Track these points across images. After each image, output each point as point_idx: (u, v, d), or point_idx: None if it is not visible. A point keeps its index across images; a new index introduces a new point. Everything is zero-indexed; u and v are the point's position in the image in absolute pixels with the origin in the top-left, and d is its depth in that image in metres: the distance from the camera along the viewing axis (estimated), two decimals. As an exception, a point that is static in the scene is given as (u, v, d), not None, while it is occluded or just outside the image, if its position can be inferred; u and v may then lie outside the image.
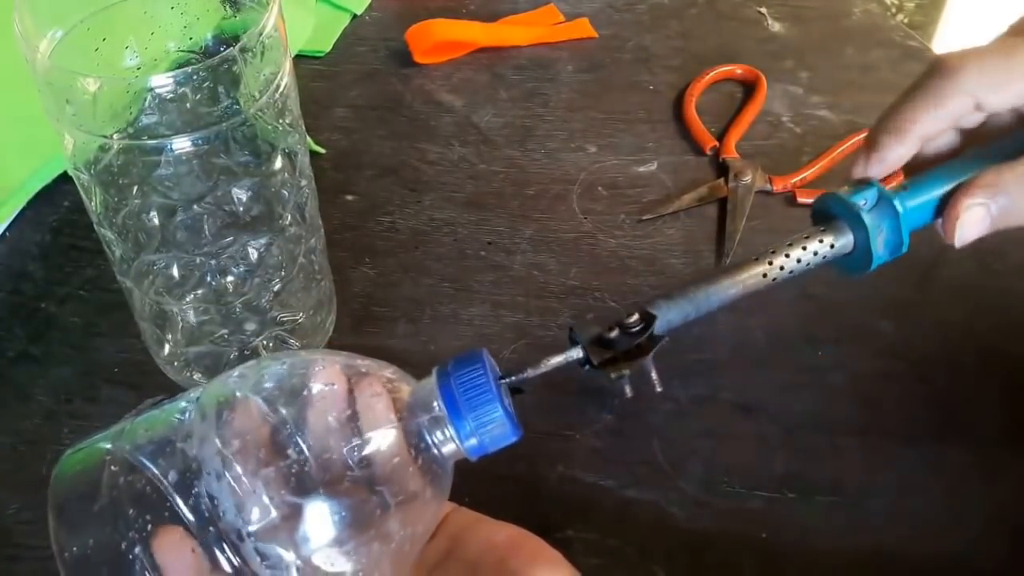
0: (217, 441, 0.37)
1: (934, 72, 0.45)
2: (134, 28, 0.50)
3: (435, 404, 0.40)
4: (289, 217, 0.54)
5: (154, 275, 0.54)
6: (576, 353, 0.42)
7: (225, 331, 0.56)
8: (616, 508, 0.54)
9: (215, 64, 0.44)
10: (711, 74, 0.80)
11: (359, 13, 0.87)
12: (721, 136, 0.75)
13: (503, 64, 0.83)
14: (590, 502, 0.55)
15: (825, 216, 0.46)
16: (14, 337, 0.62)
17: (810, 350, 0.62)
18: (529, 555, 0.42)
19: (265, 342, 0.57)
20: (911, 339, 0.62)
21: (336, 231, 0.68)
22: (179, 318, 0.56)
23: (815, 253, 0.45)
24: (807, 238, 0.45)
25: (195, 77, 0.44)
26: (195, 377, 0.58)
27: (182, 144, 0.45)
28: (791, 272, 0.45)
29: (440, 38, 0.82)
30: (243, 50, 0.45)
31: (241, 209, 0.52)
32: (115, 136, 0.46)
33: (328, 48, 0.84)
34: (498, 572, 0.41)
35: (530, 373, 0.42)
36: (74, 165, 0.49)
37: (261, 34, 0.45)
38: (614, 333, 0.43)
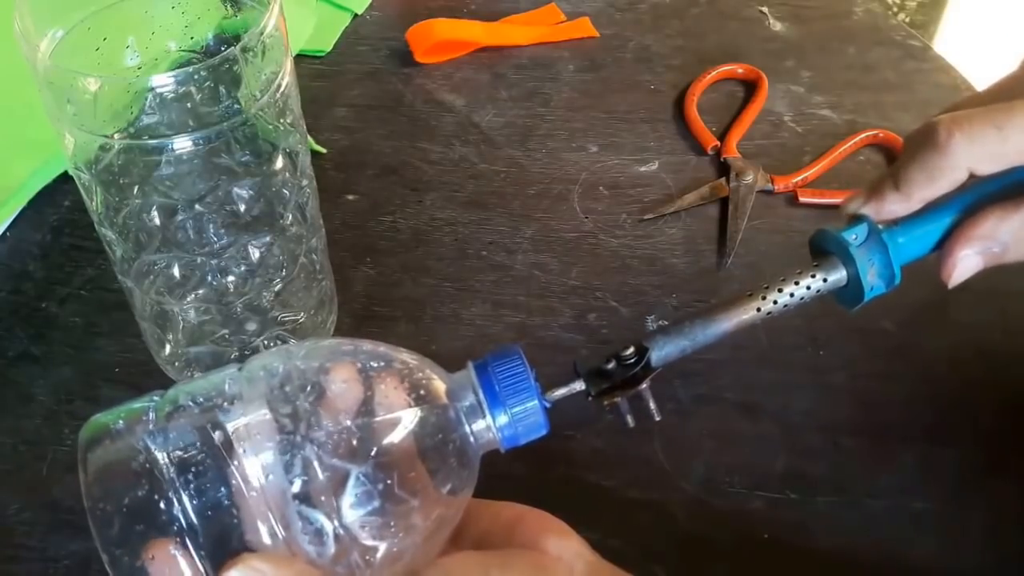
0: (266, 403, 0.38)
1: (927, 143, 0.43)
2: (135, 28, 0.50)
3: (474, 392, 0.41)
4: (290, 217, 0.54)
5: (155, 275, 0.54)
6: (579, 385, 0.45)
7: (226, 331, 0.56)
8: (618, 508, 0.54)
9: (216, 64, 0.44)
10: (712, 73, 0.80)
11: (360, 12, 0.87)
12: (722, 136, 0.75)
13: (504, 64, 0.83)
14: (592, 502, 0.54)
15: (821, 251, 0.47)
16: (15, 337, 0.62)
17: (812, 350, 0.62)
18: (537, 526, 0.42)
19: (266, 342, 0.57)
20: (913, 339, 0.62)
21: (337, 231, 0.68)
22: (180, 318, 0.56)
23: (808, 288, 0.46)
24: (800, 273, 0.46)
25: (196, 77, 0.44)
26: (196, 377, 0.57)
27: (183, 144, 0.45)
28: (785, 306, 0.46)
29: (441, 37, 0.82)
30: (244, 50, 0.45)
31: (242, 209, 0.52)
32: (116, 136, 0.46)
33: (329, 48, 0.84)
34: (506, 543, 0.42)
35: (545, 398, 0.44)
36: (75, 165, 0.49)
37: (262, 34, 0.45)
38: (611, 365, 0.45)
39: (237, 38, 0.46)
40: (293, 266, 0.55)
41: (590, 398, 0.45)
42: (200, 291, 0.55)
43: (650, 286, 0.65)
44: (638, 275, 0.66)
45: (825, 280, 0.46)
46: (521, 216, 0.70)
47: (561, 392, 0.44)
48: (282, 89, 0.48)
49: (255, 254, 0.54)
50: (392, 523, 0.38)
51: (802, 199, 0.70)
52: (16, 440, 0.57)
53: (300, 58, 0.82)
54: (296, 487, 0.37)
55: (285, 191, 0.53)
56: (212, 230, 0.52)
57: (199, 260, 0.53)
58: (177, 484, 0.36)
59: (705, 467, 0.56)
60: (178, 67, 0.45)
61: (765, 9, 0.87)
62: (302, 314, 0.58)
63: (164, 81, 0.43)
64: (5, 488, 0.55)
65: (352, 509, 0.37)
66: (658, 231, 0.69)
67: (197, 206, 0.51)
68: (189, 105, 0.46)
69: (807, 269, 0.46)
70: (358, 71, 0.82)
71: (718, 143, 0.74)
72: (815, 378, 0.60)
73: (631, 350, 0.45)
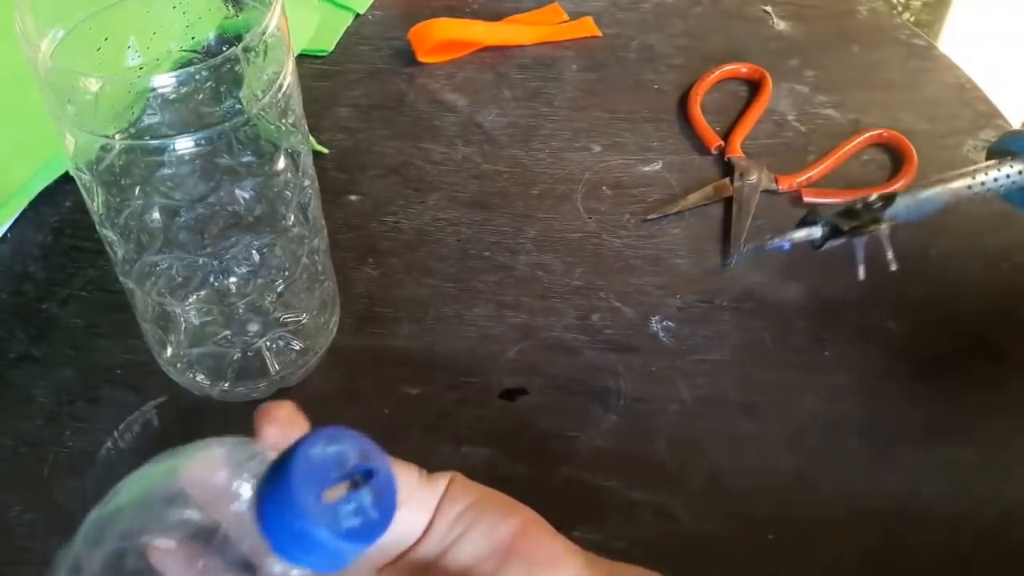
0: None
1: None
2: (136, 28, 0.50)
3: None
4: (292, 217, 0.54)
5: (156, 276, 0.54)
6: (816, 232, 0.51)
7: (228, 332, 0.56)
8: (622, 509, 0.54)
9: (217, 64, 0.44)
10: (716, 73, 0.80)
11: (362, 12, 0.87)
12: (726, 135, 0.75)
13: (507, 63, 0.82)
14: (595, 503, 0.54)
15: (1006, 152, 0.55)
16: (15, 338, 0.62)
17: (816, 350, 0.61)
18: (525, 561, 0.39)
19: (268, 343, 0.57)
20: (917, 339, 0.62)
21: (339, 231, 0.68)
22: (182, 319, 0.56)
23: (1007, 176, 0.54)
24: (998, 165, 0.54)
25: (197, 77, 0.44)
26: (198, 379, 0.58)
27: (184, 144, 0.45)
28: (987, 189, 0.55)
29: (443, 37, 0.81)
30: (246, 50, 0.45)
31: (244, 209, 0.51)
32: (117, 136, 0.46)
33: (331, 47, 0.84)
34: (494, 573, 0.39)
35: (772, 243, 0.48)
36: (76, 165, 0.49)
37: (264, 33, 0.45)
38: (859, 205, 0.52)
39: (239, 38, 0.46)
40: (295, 267, 0.55)
41: (818, 248, 0.51)
42: (202, 292, 0.55)
43: (654, 286, 0.65)
44: (642, 275, 0.66)
45: (1021, 172, 0.54)
46: (524, 216, 0.70)
47: (800, 235, 0.49)
48: (284, 89, 0.48)
49: (257, 255, 0.54)
50: None
51: (806, 199, 0.70)
52: (17, 442, 0.57)
53: (302, 58, 0.82)
54: None
55: (287, 191, 0.53)
56: (214, 231, 0.52)
57: (201, 261, 0.53)
58: None
59: (709, 468, 0.56)
60: (179, 67, 0.45)
61: (769, 8, 0.87)
62: (304, 315, 0.58)
63: (165, 81, 0.43)
64: (6, 490, 0.55)
65: None
66: (662, 231, 0.69)
67: (199, 207, 0.51)
68: (190, 105, 0.46)
69: (1004, 162, 0.54)
70: (360, 71, 0.82)
71: (722, 143, 0.74)
72: (819, 379, 0.60)
73: (875, 196, 0.52)
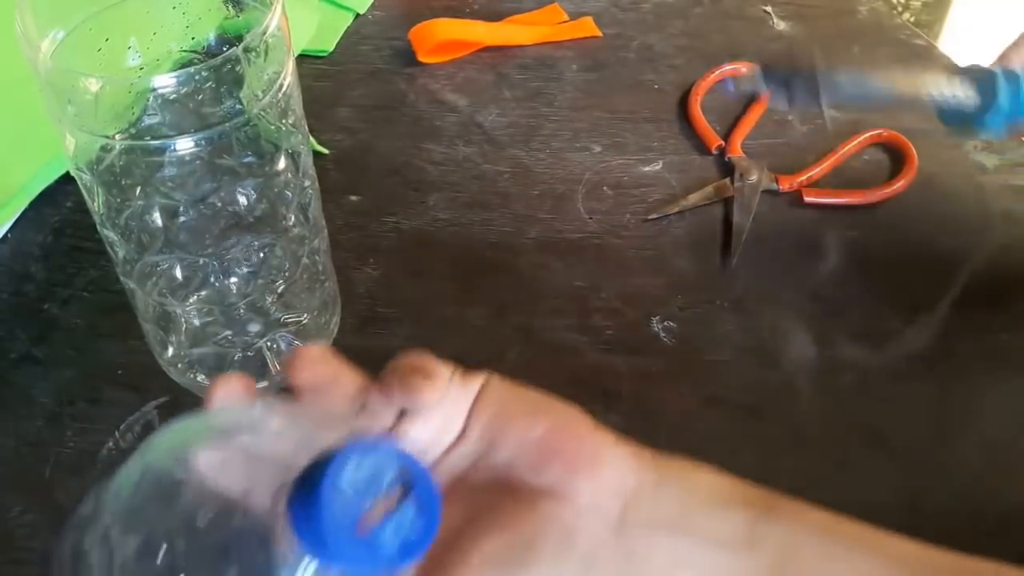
0: None
1: None
2: (136, 28, 0.50)
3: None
4: (292, 218, 0.54)
5: (157, 276, 0.54)
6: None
7: (229, 332, 0.56)
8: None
9: (218, 64, 0.44)
10: (716, 73, 0.79)
11: (362, 12, 0.87)
12: (727, 135, 0.75)
13: (507, 63, 0.82)
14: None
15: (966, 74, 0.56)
16: (16, 339, 0.62)
17: (819, 351, 0.61)
18: (569, 462, 0.36)
19: (269, 343, 0.57)
20: (919, 339, 0.62)
21: (340, 231, 0.68)
22: (182, 319, 0.56)
23: (954, 96, 0.55)
24: (951, 82, 0.55)
25: (198, 77, 0.44)
26: (199, 379, 0.57)
27: (185, 144, 0.45)
28: (932, 99, 0.56)
29: (444, 37, 0.81)
30: (246, 50, 0.45)
31: (244, 210, 0.51)
32: (117, 137, 0.46)
33: (331, 48, 0.84)
34: (532, 479, 0.36)
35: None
36: (76, 166, 0.49)
37: (264, 34, 0.45)
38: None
39: (239, 38, 0.46)
40: (296, 267, 0.55)
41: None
42: (203, 292, 0.55)
43: (654, 287, 0.65)
44: (642, 276, 0.66)
45: (968, 98, 0.55)
46: (525, 217, 0.70)
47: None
48: (284, 89, 0.48)
49: (258, 255, 0.53)
50: None
51: (807, 199, 0.70)
52: (18, 442, 0.57)
53: (302, 58, 0.82)
54: None
55: (287, 192, 0.53)
56: (214, 231, 0.52)
57: (201, 261, 0.53)
58: None
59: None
60: (180, 67, 0.45)
61: (769, 8, 0.87)
62: (305, 315, 0.58)
63: (166, 82, 0.43)
64: (7, 491, 0.55)
65: None
66: (662, 231, 0.69)
67: (199, 207, 0.51)
68: (191, 106, 0.46)
69: (958, 81, 0.55)
70: (361, 71, 0.82)
71: (722, 143, 0.74)
72: (821, 379, 0.60)
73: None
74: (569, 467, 0.36)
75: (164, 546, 0.32)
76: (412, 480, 0.32)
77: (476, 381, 0.38)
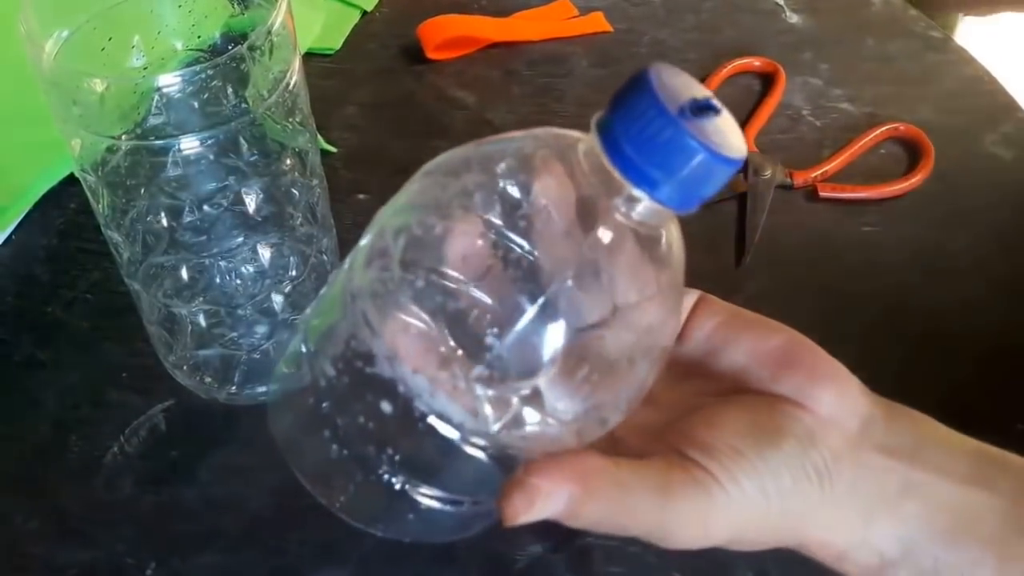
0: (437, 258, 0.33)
1: None
2: (140, 27, 0.49)
3: (605, 163, 0.31)
4: (300, 217, 0.53)
5: (162, 278, 0.53)
6: None
7: (235, 334, 0.56)
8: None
9: (223, 63, 0.43)
10: (728, 67, 0.79)
11: (369, 10, 0.86)
12: (740, 130, 0.74)
13: (516, 60, 0.82)
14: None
15: None
16: (20, 342, 0.62)
17: (833, 349, 0.60)
18: (808, 372, 0.36)
19: (276, 345, 0.56)
20: (933, 334, 0.61)
21: (348, 231, 0.67)
22: (188, 321, 0.55)
23: None
24: None
25: (203, 76, 0.44)
26: (205, 381, 0.57)
27: (190, 144, 0.45)
28: None
29: (452, 34, 0.81)
30: (252, 48, 0.44)
31: (251, 209, 0.51)
32: (122, 137, 0.45)
33: (338, 45, 0.83)
34: (768, 386, 0.36)
35: None
36: (81, 167, 0.48)
37: (270, 32, 0.45)
38: None
39: (244, 36, 0.45)
40: (303, 267, 0.55)
41: None
42: (208, 294, 0.54)
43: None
44: (655, 274, 0.65)
45: None
46: (535, 214, 0.69)
47: None
48: (291, 88, 0.48)
49: (264, 255, 0.53)
50: (587, 374, 0.32)
51: (822, 194, 0.69)
52: (22, 447, 0.57)
53: (309, 56, 0.81)
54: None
55: (294, 191, 0.52)
56: (220, 232, 0.51)
57: (207, 262, 0.52)
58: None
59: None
60: (185, 66, 0.45)
61: (781, 1, 0.86)
62: (313, 317, 0.57)
63: (171, 81, 0.43)
64: (11, 496, 0.55)
65: (543, 356, 0.31)
66: (675, 229, 0.68)
67: (205, 207, 0.50)
68: (196, 105, 0.46)
69: None
70: (368, 69, 0.81)
71: (735, 138, 0.73)
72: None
73: None
74: (810, 377, 0.36)
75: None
76: (716, 105, 0.31)
77: (692, 294, 0.39)
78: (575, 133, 0.34)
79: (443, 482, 0.34)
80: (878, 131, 0.73)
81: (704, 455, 0.34)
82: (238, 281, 0.54)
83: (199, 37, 0.51)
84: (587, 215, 0.31)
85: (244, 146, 0.49)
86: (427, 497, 0.34)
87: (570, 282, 0.31)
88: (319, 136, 0.65)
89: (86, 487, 0.55)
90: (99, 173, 0.48)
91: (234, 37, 0.49)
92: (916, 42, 0.82)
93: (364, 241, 0.36)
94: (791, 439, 0.34)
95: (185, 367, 0.57)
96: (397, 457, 0.33)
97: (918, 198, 0.69)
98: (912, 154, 0.72)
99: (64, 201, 0.70)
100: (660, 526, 0.34)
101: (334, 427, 0.33)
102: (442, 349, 0.31)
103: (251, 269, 0.53)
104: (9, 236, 0.68)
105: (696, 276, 0.64)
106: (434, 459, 0.33)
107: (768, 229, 0.67)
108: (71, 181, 0.70)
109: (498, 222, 0.32)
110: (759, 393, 0.36)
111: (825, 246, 0.66)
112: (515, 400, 0.31)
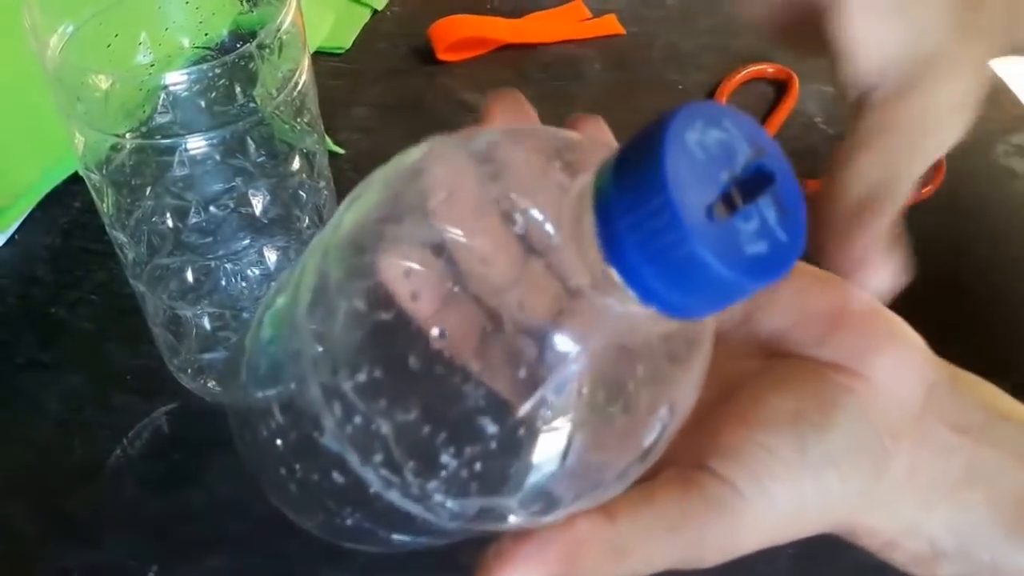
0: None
1: None
2: (147, 24, 0.49)
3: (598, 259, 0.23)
4: (307, 219, 0.53)
5: (168, 279, 0.53)
6: None
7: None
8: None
9: (231, 61, 0.43)
10: (742, 73, 0.78)
11: (380, 8, 0.86)
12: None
13: (528, 62, 0.81)
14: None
15: None
16: (23, 343, 0.61)
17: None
18: (863, 336, 0.31)
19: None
20: (941, 349, 0.60)
21: (355, 234, 0.66)
22: (193, 324, 0.55)
23: None
24: None
25: (210, 74, 0.43)
26: (209, 384, 0.57)
27: (197, 144, 0.45)
28: None
29: (464, 34, 0.80)
30: (260, 46, 0.44)
31: (258, 211, 0.51)
32: (128, 135, 0.45)
33: (348, 45, 0.83)
34: (815, 351, 0.31)
35: None
36: (85, 165, 0.48)
37: (279, 30, 0.44)
38: None
39: (253, 35, 0.45)
40: (310, 271, 0.54)
41: None
42: (214, 296, 0.54)
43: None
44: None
45: None
46: (546, 219, 0.68)
47: None
48: (299, 87, 0.47)
49: (271, 258, 0.53)
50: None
51: (836, 202, 0.68)
52: (24, 449, 0.56)
53: (318, 55, 0.81)
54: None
55: (302, 193, 0.52)
56: (227, 233, 0.51)
57: (213, 264, 0.52)
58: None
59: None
60: (192, 64, 0.45)
61: (796, 6, 0.86)
62: (319, 320, 0.57)
63: (178, 79, 0.42)
64: (14, 498, 0.54)
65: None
66: (687, 235, 0.67)
67: (211, 208, 0.50)
68: (203, 104, 0.45)
69: None
70: (378, 69, 0.81)
71: (749, 144, 0.72)
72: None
73: None
74: (864, 339, 0.31)
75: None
76: (771, 168, 0.23)
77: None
78: (572, 138, 0.29)
79: (413, 531, 0.30)
80: (894, 138, 0.72)
81: (727, 463, 0.30)
82: (244, 284, 0.54)
83: (207, 34, 0.50)
84: (569, 306, 0.25)
85: (251, 146, 0.48)
86: (400, 535, 0.31)
87: (546, 398, 0.25)
88: (327, 137, 0.64)
89: (89, 490, 0.54)
90: (104, 172, 0.48)
91: (242, 35, 0.49)
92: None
93: (310, 282, 0.28)
94: (840, 423, 0.30)
95: (190, 370, 0.57)
96: (357, 514, 0.30)
97: (929, 209, 0.68)
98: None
99: (68, 200, 0.69)
100: (682, 559, 0.30)
101: (291, 469, 0.30)
102: (394, 455, 0.26)
103: (257, 272, 0.53)
104: (12, 235, 0.67)
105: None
106: (399, 519, 0.29)
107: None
108: (75, 180, 0.69)
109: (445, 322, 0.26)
110: (804, 359, 0.32)
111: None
112: (480, 506, 0.27)
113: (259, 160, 0.49)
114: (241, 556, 0.52)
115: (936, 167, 0.70)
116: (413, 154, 0.29)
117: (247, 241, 0.52)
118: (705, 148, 0.22)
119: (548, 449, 0.26)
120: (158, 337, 0.57)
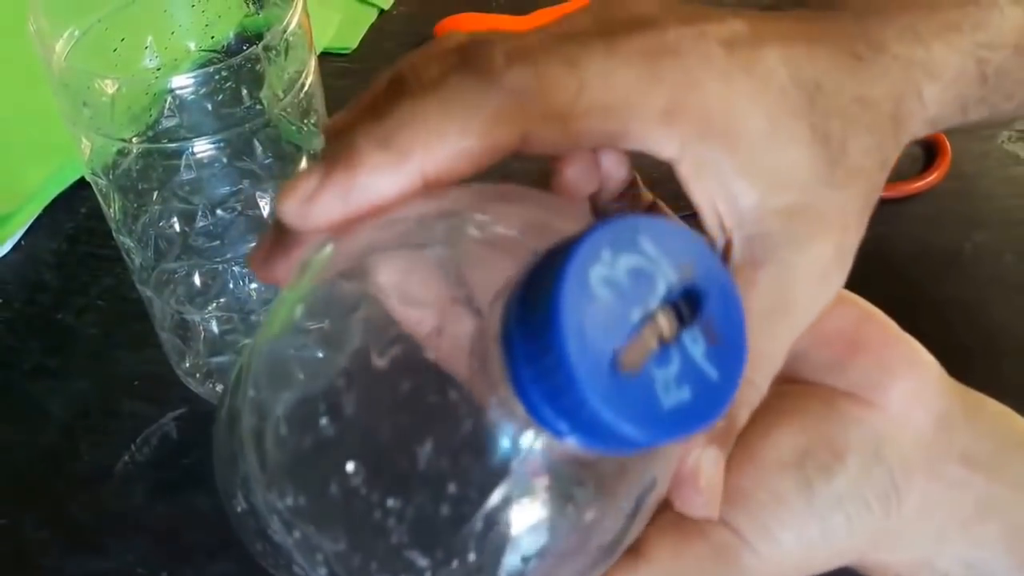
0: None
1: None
2: (153, 27, 0.49)
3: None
4: (314, 223, 0.52)
5: (175, 284, 0.53)
6: None
7: (249, 341, 0.55)
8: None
9: (237, 63, 0.43)
10: (750, 70, 0.78)
11: (386, 8, 0.85)
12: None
13: (534, 61, 0.81)
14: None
15: None
16: (30, 349, 0.61)
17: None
18: (879, 362, 0.31)
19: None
20: (946, 334, 0.60)
21: (363, 236, 0.66)
22: (201, 328, 0.55)
23: None
24: None
25: (217, 77, 0.43)
26: (218, 389, 0.56)
27: (203, 147, 0.45)
28: None
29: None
30: (266, 48, 0.44)
31: (265, 214, 0.50)
32: (134, 139, 0.45)
33: (355, 45, 0.82)
34: (829, 378, 0.31)
35: None
36: (92, 170, 0.48)
37: (285, 31, 0.44)
38: None
39: (259, 37, 0.45)
40: (317, 274, 0.54)
41: None
42: (222, 300, 0.54)
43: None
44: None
45: None
46: (554, 219, 0.68)
47: None
48: (306, 89, 0.47)
49: (278, 261, 0.52)
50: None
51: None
52: (32, 455, 0.56)
53: (324, 56, 0.81)
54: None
55: (309, 196, 0.51)
56: (234, 236, 0.51)
57: (221, 268, 0.52)
58: None
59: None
60: (198, 67, 0.45)
61: (803, 3, 0.85)
62: (327, 323, 0.57)
63: (184, 82, 0.43)
64: (21, 505, 0.54)
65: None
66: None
67: (219, 211, 0.50)
68: (210, 107, 0.45)
69: None
70: (384, 69, 0.80)
71: (757, 142, 0.72)
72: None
73: None
74: (881, 366, 0.31)
75: (324, 404, 0.25)
76: (701, 289, 0.20)
77: None
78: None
79: None
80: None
81: (735, 510, 0.29)
82: (252, 287, 0.53)
83: (213, 37, 0.50)
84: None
85: (258, 149, 0.48)
86: None
87: (479, 528, 0.24)
88: (334, 139, 0.64)
89: (97, 496, 0.54)
90: (110, 176, 0.48)
91: (248, 37, 0.49)
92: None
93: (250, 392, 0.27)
94: (854, 456, 0.30)
95: (198, 374, 0.57)
96: None
97: (933, 197, 0.68)
98: (928, 152, 0.71)
99: (75, 205, 0.69)
100: None
101: (264, 542, 0.29)
102: (335, 570, 0.26)
103: (265, 274, 0.53)
104: (18, 241, 0.67)
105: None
106: None
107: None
108: (82, 185, 0.69)
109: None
110: (817, 387, 0.31)
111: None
112: None
113: (266, 162, 0.49)
114: (250, 562, 0.52)
115: (941, 153, 0.70)
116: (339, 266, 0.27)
117: (254, 244, 0.51)
118: (613, 284, 0.20)
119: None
120: (166, 342, 0.57)
